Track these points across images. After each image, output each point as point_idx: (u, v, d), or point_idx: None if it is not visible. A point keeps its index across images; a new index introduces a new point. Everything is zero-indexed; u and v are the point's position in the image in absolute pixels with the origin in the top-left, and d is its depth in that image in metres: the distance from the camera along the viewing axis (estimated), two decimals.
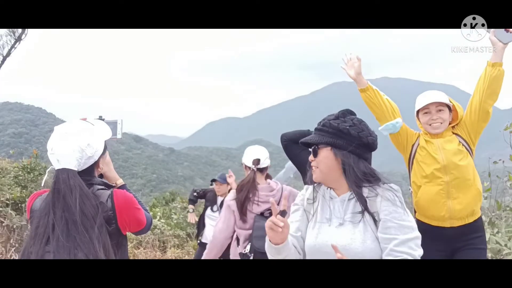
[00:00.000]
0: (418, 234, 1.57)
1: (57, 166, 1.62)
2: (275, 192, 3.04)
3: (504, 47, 2.48)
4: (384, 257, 1.55)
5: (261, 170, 3.12)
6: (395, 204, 1.58)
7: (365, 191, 1.63)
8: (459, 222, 2.58)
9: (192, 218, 4.90)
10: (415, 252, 1.53)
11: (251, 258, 2.88)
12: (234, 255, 3.13)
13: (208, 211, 4.80)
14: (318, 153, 1.67)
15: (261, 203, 3.00)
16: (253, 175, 3.07)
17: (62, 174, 1.59)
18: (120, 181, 1.91)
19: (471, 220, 2.61)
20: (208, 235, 4.59)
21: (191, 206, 5.11)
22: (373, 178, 1.63)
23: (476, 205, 2.62)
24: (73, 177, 1.59)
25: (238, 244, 3.09)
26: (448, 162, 2.59)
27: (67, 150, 1.61)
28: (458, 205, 2.56)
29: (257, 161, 3.08)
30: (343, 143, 1.63)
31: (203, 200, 5.19)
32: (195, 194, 5.04)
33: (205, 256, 3.14)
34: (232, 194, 3.12)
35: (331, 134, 1.65)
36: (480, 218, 2.70)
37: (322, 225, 1.68)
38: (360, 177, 1.61)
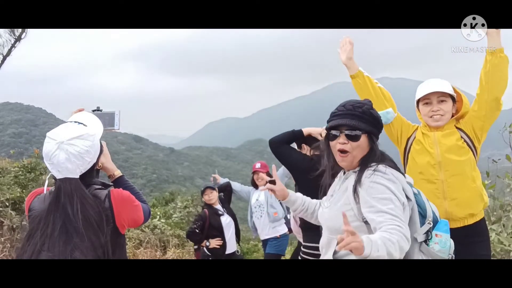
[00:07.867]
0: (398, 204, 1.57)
1: (58, 176, 1.58)
2: None
3: (498, 32, 2.30)
4: (378, 232, 1.54)
5: None
6: (373, 181, 1.64)
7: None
8: (457, 223, 2.35)
9: (213, 244, 4.66)
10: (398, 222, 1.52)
11: None
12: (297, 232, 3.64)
13: (223, 220, 4.70)
14: (360, 139, 1.74)
15: None
16: None
17: (64, 185, 1.55)
18: (117, 172, 1.89)
19: (471, 221, 2.39)
20: (232, 242, 4.75)
21: (204, 243, 4.72)
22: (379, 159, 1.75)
23: (476, 206, 2.41)
24: (76, 187, 1.56)
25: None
26: (443, 158, 2.39)
27: (67, 161, 1.55)
28: (455, 206, 2.35)
29: None
30: (377, 132, 1.79)
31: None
32: (197, 231, 4.73)
33: None
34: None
35: (371, 122, 1.76)
36: (482, 220, 2.48)
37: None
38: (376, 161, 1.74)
